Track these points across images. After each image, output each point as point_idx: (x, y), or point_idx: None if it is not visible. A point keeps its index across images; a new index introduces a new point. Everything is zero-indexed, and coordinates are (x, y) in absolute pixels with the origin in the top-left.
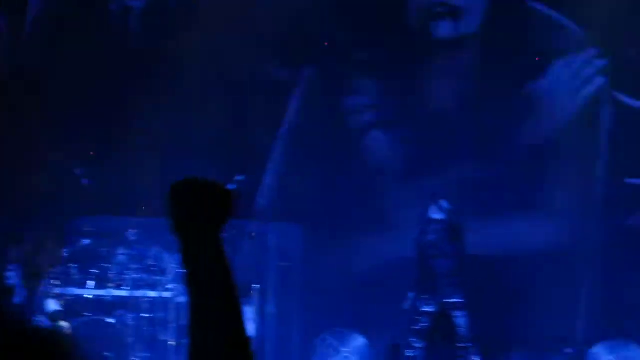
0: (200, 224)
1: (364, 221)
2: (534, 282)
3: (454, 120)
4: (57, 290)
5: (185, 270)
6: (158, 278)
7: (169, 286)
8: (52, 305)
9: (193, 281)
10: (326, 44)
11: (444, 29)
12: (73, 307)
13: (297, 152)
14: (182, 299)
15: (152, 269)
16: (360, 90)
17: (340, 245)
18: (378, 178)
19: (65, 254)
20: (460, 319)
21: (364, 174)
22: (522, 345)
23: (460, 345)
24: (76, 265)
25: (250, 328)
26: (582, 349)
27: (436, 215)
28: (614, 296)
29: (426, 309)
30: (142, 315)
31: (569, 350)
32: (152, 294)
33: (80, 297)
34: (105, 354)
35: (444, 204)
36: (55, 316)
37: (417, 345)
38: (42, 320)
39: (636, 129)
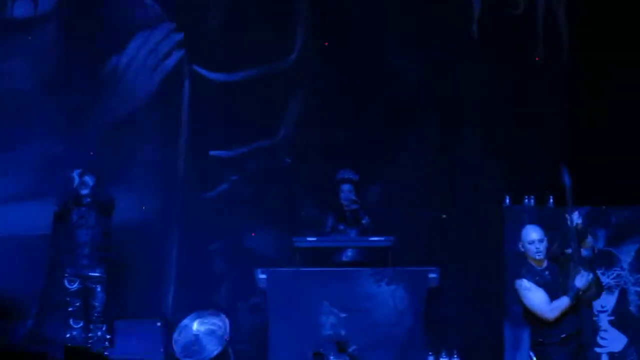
0: None
1: None
2: (129, 255)
3: (35, 99)
4: None
5: None
6: None
7: None
8: None
9: None
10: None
11: (21, 9)
12: None
13: None
14: None
15: None
16: None
17: None
18: None
19: None
20: (99, 293)
21: None
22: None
23: (94, 318)
24: None
25: None
26: (172, 321)
27: (83, 189)
28: (199, 267)
29: (73, 287)
30: None
31: (158, 324)
32: None
33: None
34: None
35: (89, 178)
36: None
37: (75, 325)
38: None
39: (213, 101)
